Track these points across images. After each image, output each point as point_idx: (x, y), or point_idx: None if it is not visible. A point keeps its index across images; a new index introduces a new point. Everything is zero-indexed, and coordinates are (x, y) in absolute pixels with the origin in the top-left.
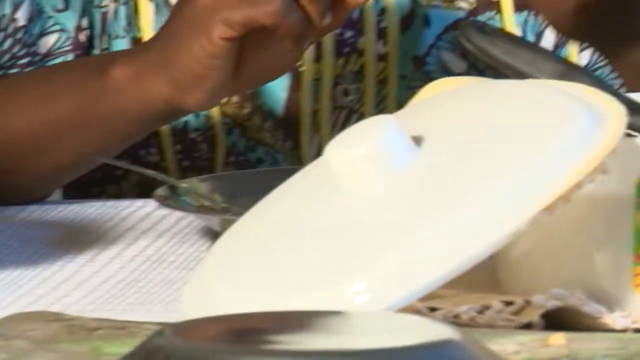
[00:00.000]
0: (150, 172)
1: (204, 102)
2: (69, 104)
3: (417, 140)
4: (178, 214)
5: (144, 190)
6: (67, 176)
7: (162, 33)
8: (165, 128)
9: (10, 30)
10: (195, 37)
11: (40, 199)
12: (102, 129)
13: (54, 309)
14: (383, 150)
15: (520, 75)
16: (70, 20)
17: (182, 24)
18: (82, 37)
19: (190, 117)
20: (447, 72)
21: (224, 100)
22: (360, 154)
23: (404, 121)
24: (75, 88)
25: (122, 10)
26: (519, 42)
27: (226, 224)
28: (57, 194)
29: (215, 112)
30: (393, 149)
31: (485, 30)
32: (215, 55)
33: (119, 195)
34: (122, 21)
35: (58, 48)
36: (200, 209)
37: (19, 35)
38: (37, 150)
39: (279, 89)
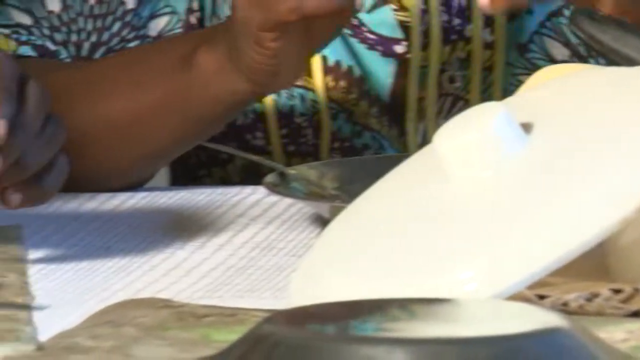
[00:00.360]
0: (255, 157)
1: (287, 85)
2: (160, 90)
3: (527, 127)
4: (288, 200)
5: (250, 173)
6: (159, 163)
7: (230, 27)
8: (271, 113)
9: (119, 13)
10: (248, 45)
11: (137, 185)
12: (189, 116)
13: (163, 295)
14: (492, 137)
15: (630, 62)
16: (181, 2)
17: (237, 29)
18: (193, 19)
19: (296, 102)
20: (550, 59)
21: (331, 84)
22: (470, 140)
23: (513, 108)
24: (162, 75)
25: None
26: (629, 28)
27: (335, 211)
28: (165, 179)
29: (321, 97)
30: (502, 135)
31: (595, 17)
32: (274, 56)
33: (225, 178)
34: (231, 2)
35: (169, 30)
36: (309, 196)
37: (128, 18)
38: (128, 138)
39: (384, 75)
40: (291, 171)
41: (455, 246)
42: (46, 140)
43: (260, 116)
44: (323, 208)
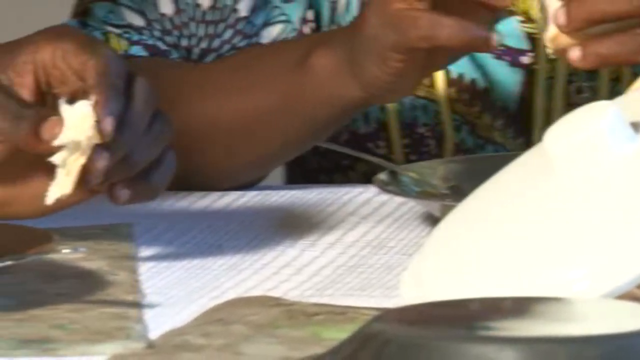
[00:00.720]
0: (376, 159)
1: (399, 99)
2: (272, 93)
3: (637, 126)
4: (398, 199)
5: (370, 179)
6: (274, 163)
7: (353, 33)
8: (394, 122)
9: (231, 20)
10: (373, 60)
11: (248, 186)
12: (301, 119)
13: (274, 294)
14: (602, 136)
15: None
16: (295, 11)
17: (362, 41)
18: (307, 29)
19: (419, 112)
20: None
21: (454, 96)
22: (580, 139)
23: (623, 107)
24: (277, 78)
25: (354, 1)
26: None
27: (446, 210)
28: (279, 179)
29: (444, 108)
30: (612, 135)
31: None
32: (395, 75)
33: (346, 184)
34: (354, 12)
35: (284, 39)
36: (420, 195)
37: (240, 26)
38: (243, 138)
39: (511, 85)
40: (403, 170)
41: (565, 245)
42: (153, 136)
43: (383, 125)
44: (433, 207)
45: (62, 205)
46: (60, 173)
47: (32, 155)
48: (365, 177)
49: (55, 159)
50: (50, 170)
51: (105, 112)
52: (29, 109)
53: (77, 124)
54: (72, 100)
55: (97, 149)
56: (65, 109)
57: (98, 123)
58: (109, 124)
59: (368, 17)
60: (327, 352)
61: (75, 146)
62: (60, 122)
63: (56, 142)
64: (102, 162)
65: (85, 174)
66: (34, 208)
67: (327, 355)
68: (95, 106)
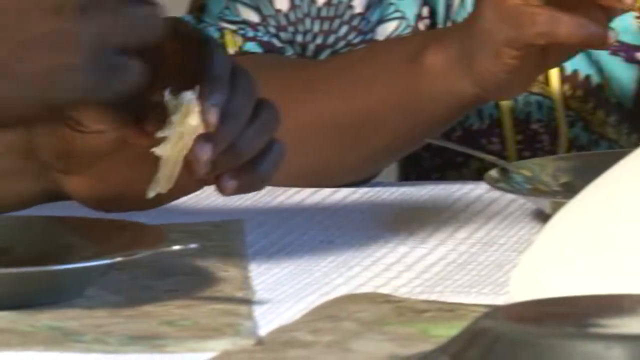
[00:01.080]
0: (491, 157)
1: (511, 97)
2: (387, 88)
3: None
4: (509, 196)
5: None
6: (386, 160)
7: (467, 29)
8: (507, 118)
9: (346, 17)
10: (487, 56)
11: (360, 183)
12: (413, 116)
13: (384, 290)
14: None
15: None
16: (411, 7)
17: (476, 37)
18: (422, 25)
19: (533, 108)
20: None
21: (568, 93)
22: None
23: None
24: (392, 73)
25: None
26: None
27: (557, 207)
28: (393, 177)
29: (558, 104)
30: None
31: None
32: (509, 72)
33: (458, 181)
34: (469, 9)
35: (397, 36)
36: (531, 192)
37: (355, 22)
38: (355, 135)
39: (627, 81)
40: (514, 167)
41: None
42: (259, 126)
43: (497, 121)
44: (544, 204)
45: (172, 196)
46: (163, 164)
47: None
48: (479, 174)
49: (159, 150)
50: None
51: (209, 102)
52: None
53: (181, 115)
54: (176, 92)
55: (201, 139)
56: (169, 100)
57: (202, 114)
58: (213, 115)
59: (483, 11)
60: (436, 349)
61: (179, 137)
62: (164, 113)
63: (160, 134)
64: (206, 153)
65: (191, 165)
66: (147, 200)
67: (435, 352)
68: (200, 97)
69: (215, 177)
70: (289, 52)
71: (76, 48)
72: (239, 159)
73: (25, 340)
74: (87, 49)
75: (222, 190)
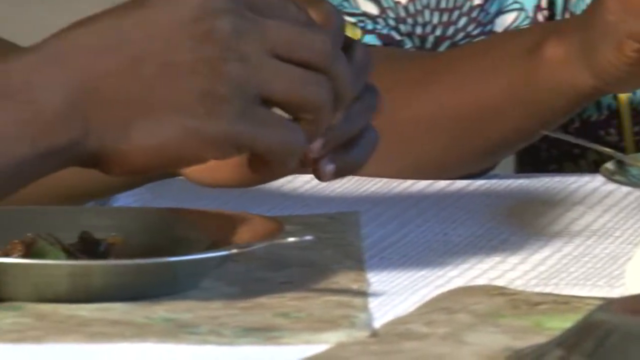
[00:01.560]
0: (607, 150)
1: (630, 91)
2: (506, 80)
3: None
4: (625, 189)
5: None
6: (503, 152)
7: (588, 20)
8: (626, 110)
9: (465, 8)
10: (608, 48)
11: (479, 174)
12: (532, 107)
13: (498, 283)
14: None
15: None
16: None
17: (598, 28)
18: (540, 17)
19: None
20: None
21: None
22: None
23: None
24: (511, 65)
25: None
26: None
27: None
28: (510, 168)
29: None
30: None
31: None
32: (630, 64)
33: (576, 173)
34: (588, 0)
35: (515, 27)
36: None
37: (474, 13)
38: (473, 127)
39: None
40: (630, 159)
41: None
42: (361, 107)
43: (615, 113)
44: None
45: (264, 179)
46: None
47: None
48: (596, 166)
49: None
50: None
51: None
52: None
53: None
54: None
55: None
56: None
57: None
58: (319, 142)
59: (605, 2)
60: (550, 342)
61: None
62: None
63: None
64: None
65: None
66: (239, 177)
67: (549, 345)
68: None
69: (312, 161)
70: (408, 44)
71: (225, 78)
72: (339, 139)
73: (139, 332)
74: (236, 81)
75: (321, 176)
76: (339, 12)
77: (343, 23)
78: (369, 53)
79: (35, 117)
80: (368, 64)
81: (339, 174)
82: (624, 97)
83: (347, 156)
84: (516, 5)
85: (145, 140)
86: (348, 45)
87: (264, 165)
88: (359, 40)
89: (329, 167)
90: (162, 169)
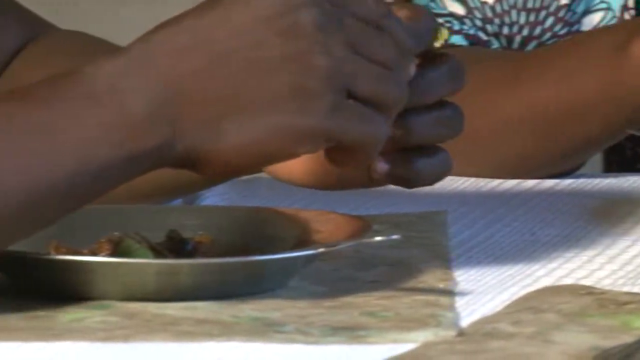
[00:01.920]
0: None
1: None
2: (593, 78)
3: None
4: None
5: None
6: (587, 153)
7: None
8: None
9: (552, 8)
10: None
11: (566, 173)
12: (621, 105)
13: (586, 282)
14: None
15: None
16: None
17: None
18: (627, 16)
19: None
20: None
21: None
22: None
23: None
24: (598, 63)
25: None
26: None
27: None
28: (597, 167)
29: None
30: None
31: None
32: None
33: None
34: None
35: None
36: None
37: (561, 13)
38: (560, 126)
39: None
40: None
41: None
42: (436, 119)
43: None
44: None
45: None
46: None
47: None
48: None
49: None
50: None
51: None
52: None
53: None
54: None
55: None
56: None
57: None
58: (382, 168)
59: None
60: (637, 342)
61: None
62: None
63: None
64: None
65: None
66: (309, 177)
67: (637, 345)
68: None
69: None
70: (495, 45)
71: (314, 72)
72: (404, 140)
73: (227, 330)
74: (326, 75)
75: (371, 171)
76: (430, 13)
77: (432, 24)
78: (462, 69)
79: (120, 120)
80: (452, 77)
81: (392, 178)
82: None
83: (408, 164)
84: (603, 5)
85: (237, 138)
86: (440, 56)
87: (347, 157)
88: (453, 55)
89: (381, 165)
90: (255, 167)
